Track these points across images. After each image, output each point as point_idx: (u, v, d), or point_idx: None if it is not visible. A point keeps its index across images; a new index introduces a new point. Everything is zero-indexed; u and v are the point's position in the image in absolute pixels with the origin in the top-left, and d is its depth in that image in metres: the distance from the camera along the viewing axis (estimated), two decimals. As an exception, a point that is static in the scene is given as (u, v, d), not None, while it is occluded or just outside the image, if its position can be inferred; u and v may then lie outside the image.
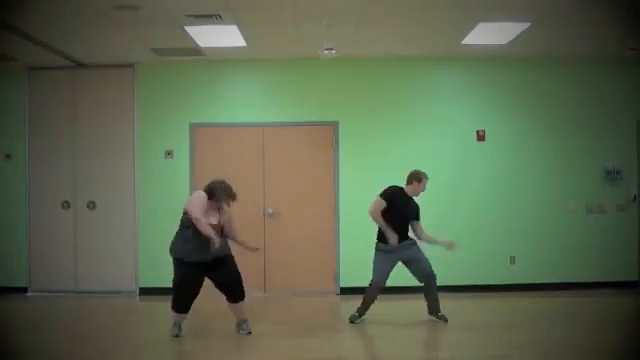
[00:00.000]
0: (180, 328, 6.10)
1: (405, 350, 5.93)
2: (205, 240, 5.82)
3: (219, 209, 6.10)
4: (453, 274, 8.31)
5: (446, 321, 6.59)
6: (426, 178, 6.79)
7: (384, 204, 6.63)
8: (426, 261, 6.68)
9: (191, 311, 6.12)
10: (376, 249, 6.69)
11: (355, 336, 6.38)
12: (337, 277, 8.42)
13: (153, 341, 6.11)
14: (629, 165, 8.50)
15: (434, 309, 6.68)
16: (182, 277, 5.98)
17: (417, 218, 6.81)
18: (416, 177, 6.77)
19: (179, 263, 5.99)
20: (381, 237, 6.67)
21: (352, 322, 6.63)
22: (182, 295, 6.02)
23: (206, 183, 6.24)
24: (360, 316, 6.67)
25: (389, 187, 6.79)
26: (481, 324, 6.59)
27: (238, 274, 6.12)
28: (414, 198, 6.83)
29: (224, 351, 5.75)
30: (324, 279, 8.44)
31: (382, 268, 6.62)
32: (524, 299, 7.87)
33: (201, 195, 6.04)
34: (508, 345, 5.77)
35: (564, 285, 8.32)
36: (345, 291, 8.33)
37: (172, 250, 6.07)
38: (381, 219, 6.60)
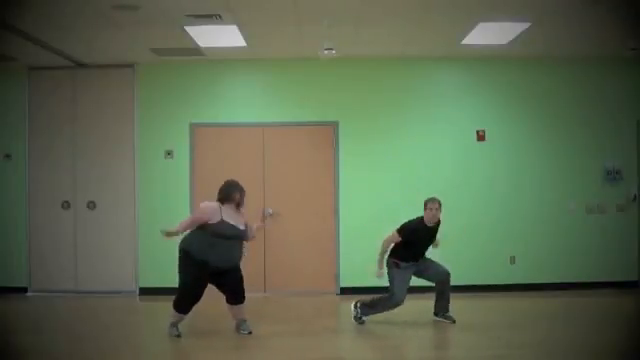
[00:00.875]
0: (178, 329, 6.10)
1: (405, 350, 5.94)
2: (232, 248, 5.97)
3: (239, 211, 6.10)
4: (453, 274, 8.25)
5: (454, 322, 6.59)
6: (432, 202, 6.54)
7: (398, 239, 6.52)
8: (437, 263, 6.73)
9: (191, 311, 6.11)
10: (393, 267, 6.56)
11: (355, 336, 6.38)
12: (337, 277, 8.42)
13: (153, 341, 6.12)
14: (629, 165, 8.50)
15: (444, 308, 6.69)
16: (195, 279, 5.92)
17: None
18: (425, 205, 6.58)
19: (197, 265, 5.89)
20: (398, 255, 6.57)
21: (361, 323, 6.60)
22: (190, 296, 5.98)
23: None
24: (365, 316, 6.64)
25: (409, 222, 6.58)
26: (481, 324, 6.60)
27: (242, 278, 6.16)
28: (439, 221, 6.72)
29: (224, 351, 5.75)
30: (324, 279, 8.44)
31: (403, 284, 6.54)
32: (524, 299, 7.87)
33: (208, 205, 6.03)
34: (508, 345, 5.77)
35: (564, 285, 8.32)
36: (345, 291, 8.33)
37: (194, 251, 5.93)
38: (385, 249, 6.52)
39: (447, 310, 6.70)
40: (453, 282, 8.21)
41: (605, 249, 8.42)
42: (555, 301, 7.77)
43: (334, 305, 7.99)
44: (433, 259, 6.77)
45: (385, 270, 6.56)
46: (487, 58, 8.39)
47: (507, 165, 8.47)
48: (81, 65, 8.42)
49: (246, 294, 6.18)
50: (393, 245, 6.58)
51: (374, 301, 6.65)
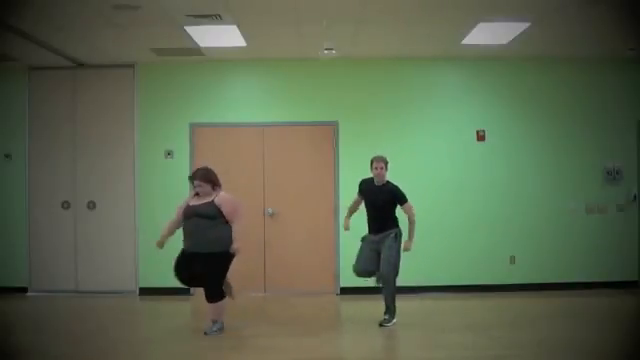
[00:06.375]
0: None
1: (405, 350, 5.94)
2: (196, 229, 6.12)
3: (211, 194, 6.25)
4: (453, 274, 8.33)
5: (380, 326, 6.50)
6: (378, 161, 6.67)
7: (357, 197, 6.88)
8: (387, 260, 6.53)
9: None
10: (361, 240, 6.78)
11: (355, 336, 6.38)
12: (337, 277, 8.42)
13: (153, 341, 6.12)
14: (629, 165, 8.50)
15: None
16: (176, 261, 6.16)
17: (396, 203, 6.70)
18: (371, 164, 6.75)
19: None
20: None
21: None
22: (177, 278, 6.20)
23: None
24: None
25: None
26: (481, 324, 6.59)
27: (213, 274, 6.17)
28: (389, 184, 6.73)
29: (223, 351, 5.75)
30: (324, 279, 8.44)
31: (360, 257, 6.74)
32: (524, 299, 7.87)
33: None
34: (508, 345, 5.77)
35: (564, 285, 8.32)
36: (345, 291, 8.33)
37: (227, 245, 6.09)
38: (350, 208, 6.93)
39: (386, 312, 6.59)
40: (453, 282, 8.28)
41: (605, 249, 8.42)
42: (555, 301, 7.77)
43: (334, 305, 7.99)
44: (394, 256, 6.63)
45: (348, 225, 6.86)
46: (487, 58, 8.39)
47: (507, 165, 8.47)
48: (81, 65, 8.43)
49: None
50: None
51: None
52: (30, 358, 5.46)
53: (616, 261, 8.42)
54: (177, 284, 6.25)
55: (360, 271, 6.74)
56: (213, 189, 6.19)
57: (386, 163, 6.67)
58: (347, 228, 6.84)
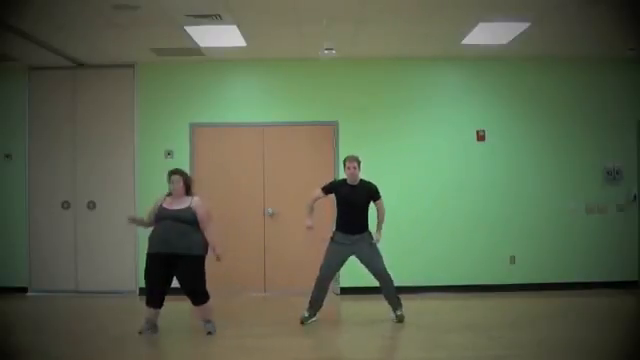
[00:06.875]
0: (148, 324, 6.21)
1: (405, 350, 5.94)
2: (168, 230, 6.16)
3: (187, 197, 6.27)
4: (453, 274, 8.33)
5: (401, 321, 6.53)
6: (350, 161, 6.63)
7: (321, 194, 6.80)
8: (376, 257, 6.61)
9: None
10: (330, 241, 6.70)
11: (354, 336, 6.37)
12: (337, 277, 8.40)
13: (153, 341, 6.11)
14: (629, 165, 8.50)
15: (392, 306, 6.65)
16: (146, 269, 6.29)
17: (370, 200, 6.72)
18: (344, 164, 6.73)
19: (147, 255, 6.26)
20: (336, 224, 6.73)
21: (302, 323, 6.61)
22: (147, 288, 6.29)
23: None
24: (310, 313, 6.69)
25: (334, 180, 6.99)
26: (481, 324, 6.59)
27: (196, 275, 6.13)
28: (363, 182, 6.73)
29: (223, 351, 5.75)
30: (324, 279, 8.42)
31: (331, 261, 6.66)
32: (524, 299, 7.87)
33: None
34: (508, 345, 5.77)
35: (564, 285, 8.32)
36: (345, 291, 8.34)
37: (201, 249, 6.09)
38: (309, 202, 6.83)
39: (395, 308, 6.63)
40: (453, 282, 8.27)
41: (605, 249, 8.42)
42: (555, 301, 7.77)
43: (334, 305, 7.98)
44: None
45: (312, 223, 6.71)
46: (487, 58, 8.39)
47: (507, 165, 8.47)
48: (81, 65, 8.43)
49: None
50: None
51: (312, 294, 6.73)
52: (30, 358, 5.46)
53: (616, 261, 8.42)
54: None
55: (330, 277, 6.71)
56: (187, 193, 6.21)
57: (359, 163, 6.66)
58: (312, 227, 6.71)
